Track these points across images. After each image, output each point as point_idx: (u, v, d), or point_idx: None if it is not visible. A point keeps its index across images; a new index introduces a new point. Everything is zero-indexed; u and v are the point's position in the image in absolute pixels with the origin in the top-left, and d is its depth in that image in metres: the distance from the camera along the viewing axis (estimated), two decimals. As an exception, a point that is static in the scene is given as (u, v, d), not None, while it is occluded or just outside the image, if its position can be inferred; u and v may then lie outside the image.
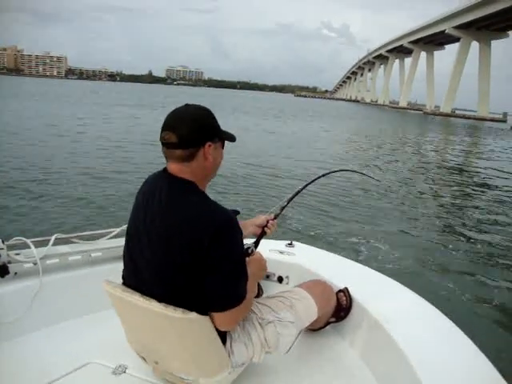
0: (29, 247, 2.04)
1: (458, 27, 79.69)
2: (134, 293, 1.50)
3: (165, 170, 1.53)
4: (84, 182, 8.96)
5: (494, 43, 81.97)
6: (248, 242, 1.80)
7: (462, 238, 7.33)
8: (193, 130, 1.44)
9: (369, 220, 7.94)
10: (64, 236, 2.22)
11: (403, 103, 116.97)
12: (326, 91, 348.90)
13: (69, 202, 7.50)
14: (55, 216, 6.69)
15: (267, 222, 1.96)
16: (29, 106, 29.00)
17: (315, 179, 2.28)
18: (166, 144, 1.46)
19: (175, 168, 1.48)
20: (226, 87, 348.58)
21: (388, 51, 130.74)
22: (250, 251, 1.76)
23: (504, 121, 72.95)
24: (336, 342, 2.13)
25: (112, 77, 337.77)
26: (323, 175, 2.35)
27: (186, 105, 1.53)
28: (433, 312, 2.01)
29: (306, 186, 2.23)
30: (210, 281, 1.43)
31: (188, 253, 1.40)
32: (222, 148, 1.58)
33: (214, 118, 1.53)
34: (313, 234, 6.75)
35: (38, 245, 2.09)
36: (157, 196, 1.48)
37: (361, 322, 2.05)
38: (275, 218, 2.02)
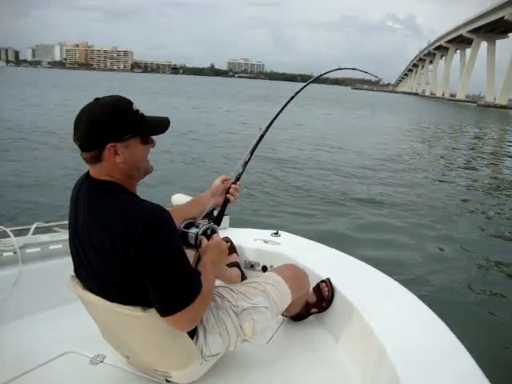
0: (8, 236, 2.05)
1: (518, 13, 73.42)
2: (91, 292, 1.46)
3: (88, 173, 1.44)
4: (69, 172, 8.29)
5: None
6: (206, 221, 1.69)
7: (478, 232, 6.74)
8: (89, 132, 1.32)
9: (372, 205, 7.46)
10: (45, 225, 2.23)
11: (461, 95, 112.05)
12: (389, 84, 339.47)
13: (50, 191, 7.24)
14: (36, 205, 6.49)
15: (229, 187, 1.80)
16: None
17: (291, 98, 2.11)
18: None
19: (92, 170, 1.40)
20: (286, 80, 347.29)
21: (448, 42, 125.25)
22: (209, 232, 1.60)
23: None
24: (318, 333, 2.12)
25: (175, 70, 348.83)
26: (310, 82, 2.31)
27: (96, 99, 1.37)
28: (415, 302, 1.97)
29: (276, 115, 2.00)
30: (148, 285, 1.34)
31: (118, 260, 1.31)
32: (146, 143, 1.41)
33: (121, 113, 1.34)
34: (303, 223, 6.40)
35: (17, 234, 2.09)
36: (81, 203, 1.40)
37: (343, 313, 2.03)
38: (237, 180, 1.84)
